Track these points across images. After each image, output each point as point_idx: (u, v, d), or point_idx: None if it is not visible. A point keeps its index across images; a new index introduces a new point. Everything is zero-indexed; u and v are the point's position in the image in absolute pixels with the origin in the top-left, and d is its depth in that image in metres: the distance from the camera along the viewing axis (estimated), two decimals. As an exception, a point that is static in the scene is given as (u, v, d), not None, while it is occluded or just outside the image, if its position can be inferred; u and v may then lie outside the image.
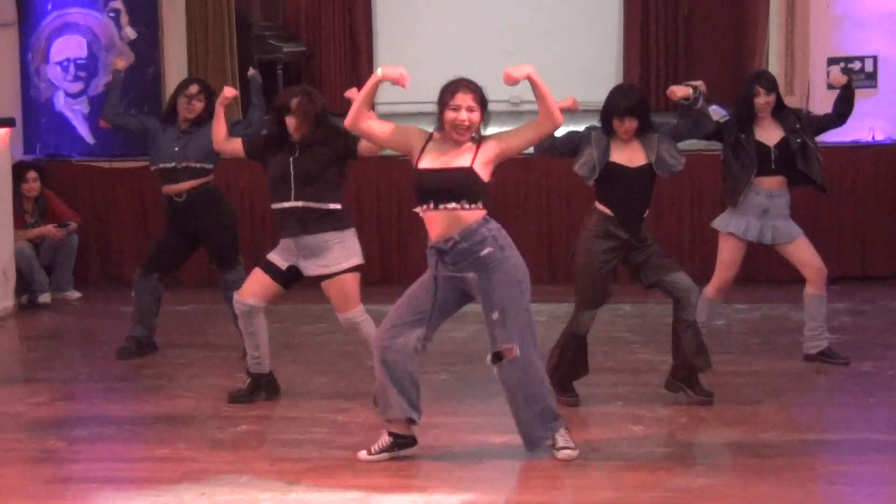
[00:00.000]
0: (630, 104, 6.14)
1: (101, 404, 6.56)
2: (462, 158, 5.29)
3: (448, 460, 5.47)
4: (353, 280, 6.23)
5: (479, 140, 5.35)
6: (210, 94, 7.30)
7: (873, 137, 9.49)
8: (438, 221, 5.27)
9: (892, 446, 5.68)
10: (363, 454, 5.49)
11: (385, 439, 5.49)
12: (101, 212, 9.80)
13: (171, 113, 7.36)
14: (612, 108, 6.18)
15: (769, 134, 6.81)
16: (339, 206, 6.20)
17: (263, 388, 6.47)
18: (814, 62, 9.56)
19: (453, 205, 5.24)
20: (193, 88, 7.30)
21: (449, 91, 5.26)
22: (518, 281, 5.32)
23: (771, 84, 6.88)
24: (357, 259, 6.25)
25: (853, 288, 8.93)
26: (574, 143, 6.26)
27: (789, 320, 8.05)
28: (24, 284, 9.10)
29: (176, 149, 7.22)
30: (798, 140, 6.76)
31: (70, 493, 5.21)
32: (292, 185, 6.12)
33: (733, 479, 5.26)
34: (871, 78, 9.53)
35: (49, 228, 9.24)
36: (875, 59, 9.51)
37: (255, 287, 6.27)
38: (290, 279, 6.28)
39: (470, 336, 7.58)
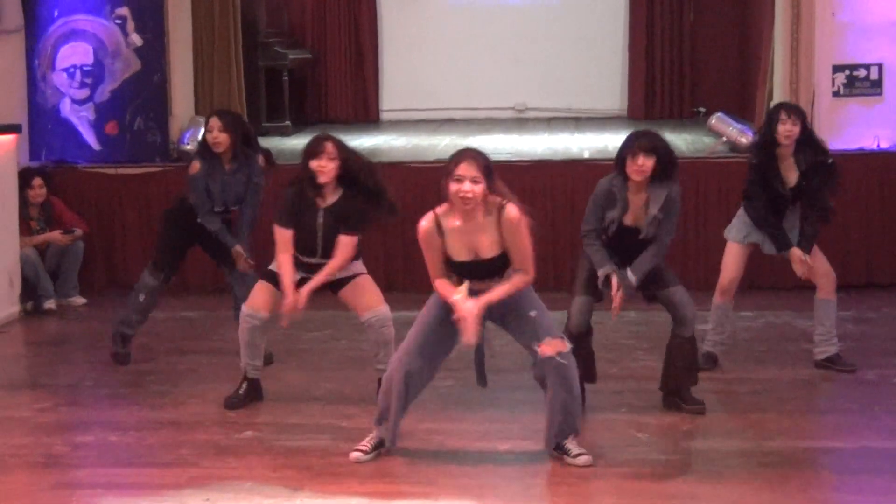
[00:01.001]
0: (644, 142, 5.95)
1: (105, 410, 6.57)
2: (489, 244, 5.38)
3: (453, 467, 5.48)
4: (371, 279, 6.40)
5: (500, 212, 5.39)
6: (233, 125, 7.17)
7: (878, 145, 9.48)
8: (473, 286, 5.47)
9: (897, 454, 5.68)
10: (358, 455, 5.58)
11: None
12: (107, 218, 9.80)
13: (205, 151, 7.19)
14: (625, 148, 6.03)
15: (789, 175, 6.74)
16: None
17: (256, 392, 6.50)
18: (819, 70, 9.55)
19: (487, 281, 5.44)
20: (212, 122, 7.15)
21: (454, 161, 5.31)
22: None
23: (795, 113, 6.73)
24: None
25: (858, 296, 8.91)
26: (602, 210, 6.12)
27: (793, 328, 8.04)
28: (30, 290, 9.11)
29: (222, 192, 7.18)
30: (815, 179, 6.70)
31: (74, 498, 5.23)
32: None
33: (737, 486, 5.26)
34: (877, 86, 9.52)
35: (55, 234, 9.25)
36: (880, 66, 9.50)
37: (269, 300, 6.28)
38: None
39: (474, 343, 7.58)
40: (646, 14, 13.70)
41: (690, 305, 6.18)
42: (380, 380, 6.28)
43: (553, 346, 5.43)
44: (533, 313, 5.47)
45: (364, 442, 5.64)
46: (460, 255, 5.40)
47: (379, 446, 5.63)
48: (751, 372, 7.05)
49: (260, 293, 6.33)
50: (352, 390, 6.66)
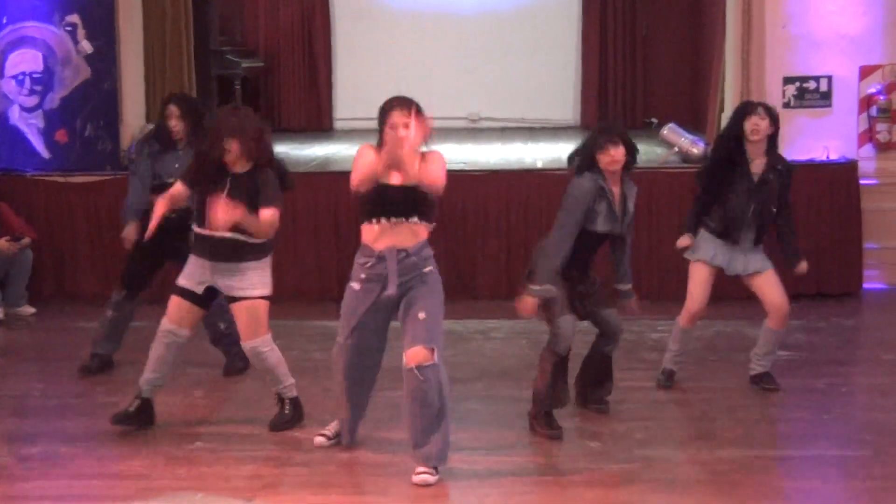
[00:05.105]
0: (610, 134, 5.97)
1: (54, 421, 6.49)
2: (412, 175, 5.43)
3: (406, 477, 5.45)
4: (265, 306, 6.13)
5: (423, 154, 5.51)
6: (191, 112, 7.17)
7: (828, 156, 9.58)
8: (391, 233, 5.46)
9: (847, 462, 5.73)
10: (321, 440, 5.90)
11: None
12: (57, 226, 9.70)
13: (167, 135, 7.20)
14: (594, 144, 5.99)
15: (756, 168, 6.62)
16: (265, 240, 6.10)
17: (149, 414, 6.27)
18: (769, 81, 9.65)
19: (415, 219, 5.46)
20: (171, 110, 7.17)
21: (384, 111, 5.49)
22: (441, 293, 5.55)
23: (766, 110, 6.63)
24: (269, 289, 6.15)
25: (807, 305, 8.99)
26: (587, 210, 5.98)
27: (745, 337, 8.07)
28: (-23, 300, 9.00)
29: (176, 166, 7.11)
30: (774, 179, 6.61)
31: (22, 510, 5.17)
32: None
33: (690, 495, 5.28)
34: (826, 98, 9.63)
35: (2, 242, 9.13)
36: (829, 78, 9.61)
37: (189, 318, 6.13)
38: (208, 300, 6.18)
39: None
40: (599, 25, 13.79)
41: (619, 327, 6.28)
42: (278, 395, 6.31)
43: (416, 357, 5.37)
44: (422, 315, 5.42)
45: (328, 427, 5.92)
46: (388, 177, 5.44)
47: (338, 436, 5.88)
48: (702, 381, 7.09)
49: (182, 311, 6.12)
50: (303, 400, 6.60)
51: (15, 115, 10.10)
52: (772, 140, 6.67)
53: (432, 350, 5.38)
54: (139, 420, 6.19)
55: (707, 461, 5.65)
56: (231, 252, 6.01)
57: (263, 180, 5.99)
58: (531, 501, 5.26)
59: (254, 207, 5.93)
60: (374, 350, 5.68)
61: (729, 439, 5.98)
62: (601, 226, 5.97)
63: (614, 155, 5.95)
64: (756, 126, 6.57)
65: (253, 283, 6.07)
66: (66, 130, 10.11)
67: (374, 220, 5.49)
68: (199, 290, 6.09)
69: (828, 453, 5.83)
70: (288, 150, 11.87)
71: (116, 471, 5.62)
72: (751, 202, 6.60)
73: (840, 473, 5.60)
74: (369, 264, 5.51)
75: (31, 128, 10.11)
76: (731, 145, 6.66)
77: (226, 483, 5.43)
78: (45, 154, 10.11)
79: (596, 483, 5.39)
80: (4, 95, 10.08)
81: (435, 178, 5.44)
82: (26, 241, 9.22)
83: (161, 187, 7.07)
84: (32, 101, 10.11)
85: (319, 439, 5.90)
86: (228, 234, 5.94)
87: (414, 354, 5.36)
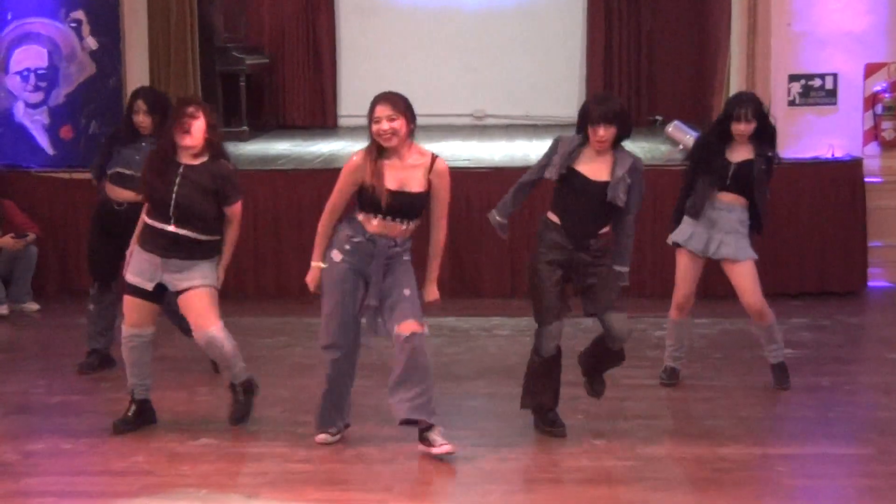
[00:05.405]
0: (605, 111, 5.87)
1: (58, 417, 6.49)
2: (416, 180, 5.63)
3: (410, 473, 5.46)
4: (213, 295, 6.06)
5: (433, 161, 5.68)
6: (158, 107, 7.11)
7: (833, 154, 9.57)
8: (386, 227, 5.65)
9: (851, 460, 5.73)
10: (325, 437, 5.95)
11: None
12: (61, 223, 9.70)
13: (133, 128, 7.20)
14: (587, 115, 5.93)
15: (736, 152, 6.63)
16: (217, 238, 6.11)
17: (148, 414, 6.30)
18: (774, 79, 9.64)
19: (408, 222, 5.67)
20: (139, 105, 7.17)
21: (370, 107, 5.62)
22: (415, 280, 5.76)
23: (754, 111, 6.59)
24: (214, 281, 6.07)
25: (811, 303, 8.99)
26: (545, 163, 6.07)
27: (749, 335, 8.05)
28: (-18, 296, 9.00)
29: (137, 157, 7.12)
30: (763, 167, 6.63)
31: (26, 506, 5.17)
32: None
33: (693, 493, 5.28)
34: (831, 95, 9.62)
35: (7, 239, 9.15)
36: (835, 76, 9.60)
37: (147, 315, 6.08)
38: (160, 296, 6.15)
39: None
40: (604, 22, 13.78)
41: (626, 334, 6.00)
42: (231, 384, 6.26)
43: (410, 327, 5.59)
44: (407, 291, 5.65)
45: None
46: (389, 183, 5.57)
47: (341, 432, 5.98)
48: (706, 379, 7.08)
49: (135, 309, 6.07)
50: (307, 397, 6.60)
51: (20, 112, 10.11)
52: (760, 130, 6.66)
53: (422, 325, 5.63)
54: (140, 422, 6.21)
55: (710, 459, 5.65)
56: (186, 250, 5.99)
57: (224, 174, 6.03)
58: (533, 499, 5.26)
59: (212, 200, 5.99)
60: (355, 332, 5.80)
61: (732, 437, 5.98)
62: (548, 172, 6.00)
63: (602, 136, 5.86)
64: (743, 132, 6.61)
65: (200, 275, 6.03)
66: (70, 127, 10.12)
67: (372, 215, 5.63)
68: (150, 286, 6.06)
69: (831, 451, 5.83)
70: (292, 146, 11.89)
71: (119, 467, 5.62)
72: (719, 182, 6.61)
73: (843, 472, 5.59)
74: (357, 239, 5.65)
75: (35, 124, 10.12)
76: (710, 140, 6.75)
77: (229, 479, 5.44)
78: (49, 150, 10.12)
79: (599, 481, 5.40)
80: (9, 92, 10.08)
81: (442, 226, 5.75)
82: (31, 237, 9.24)
83: (118, 177, 7.19)
84: (37, 97, 10.12)
85: (322, 436, 5.92)
86: (183, 231, 5.95)
87: (408, 325, 5.58)
